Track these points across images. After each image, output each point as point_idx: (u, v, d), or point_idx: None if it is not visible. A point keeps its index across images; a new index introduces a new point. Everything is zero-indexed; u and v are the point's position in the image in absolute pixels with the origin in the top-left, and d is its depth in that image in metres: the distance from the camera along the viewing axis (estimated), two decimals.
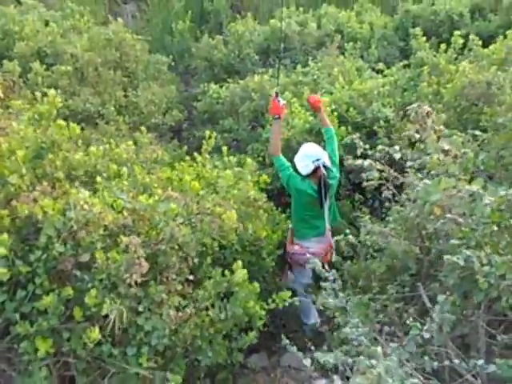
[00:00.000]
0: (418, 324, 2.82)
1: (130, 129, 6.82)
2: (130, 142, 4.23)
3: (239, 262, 3.44)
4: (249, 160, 4.49)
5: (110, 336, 3.03)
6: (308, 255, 4.20)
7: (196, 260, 3.33)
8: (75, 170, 3.57)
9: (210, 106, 7.85)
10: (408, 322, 2.97)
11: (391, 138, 5.90)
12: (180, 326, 3.32)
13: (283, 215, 5.03)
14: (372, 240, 3.75)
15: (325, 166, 4.56)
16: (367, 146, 4.33)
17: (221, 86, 7.88)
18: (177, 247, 3.18)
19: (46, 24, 7.80)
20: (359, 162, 3.97)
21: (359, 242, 3.95)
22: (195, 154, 4.73)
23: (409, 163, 3.90)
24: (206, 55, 9.08)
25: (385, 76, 7.07)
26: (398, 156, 3.85)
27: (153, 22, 11.76)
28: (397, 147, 3.91)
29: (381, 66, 7.26)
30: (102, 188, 3.33)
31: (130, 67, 7.61)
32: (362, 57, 8.42)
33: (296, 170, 4.65)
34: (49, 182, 3.41)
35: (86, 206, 2.96)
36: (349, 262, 4.30)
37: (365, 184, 4.02)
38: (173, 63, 9.03)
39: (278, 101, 4.52)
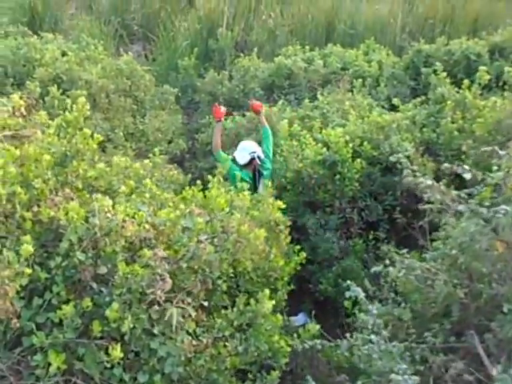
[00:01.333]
0: None
1: (135, 155, 6.68)
2: (147, 161, 4.05)
3: (266, 291, 3.14)
4: (267, 182, 4.29)
5: (122, 359, 2.74)
6: None
7: (219, 281, 3.08)
8: (96, 180, 3.36)
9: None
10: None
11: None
12: (195, 356, 3.04)
13: (297, 246, 4.67)
14: (407, 278, 3.36)
15: (259, 158, 5.55)
16: (416, 168, 3.77)
17: (225, 119, 7.76)
18: (197, 267, 2.94)
19: (64, 54, 7.80)
20: (421, 179, 3.52)
21: (386, 282, 3.60)
22: (209, 176, 4.52)
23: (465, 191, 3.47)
24: (211, 90, 9.01)
25: (398, 111, 6.83)
26: (468, 176, 3.28)
27: (158, 60, 11.79)
28: (466, 166, 3.38)
29: (395, 101, 7.03)
30: (124, 199, 3.12)
31: (139, 96, 7.55)
32: (370, 94, 8.26)
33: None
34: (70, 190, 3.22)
35: (109, 215, 2.74)
36: (378, 304, 3.82)
37: (421, 207, 3.62)
38: (177, 97, 8.97)
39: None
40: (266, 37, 11.41)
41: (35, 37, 8.05)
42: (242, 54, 10.25)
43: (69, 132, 3.32)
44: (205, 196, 3.67)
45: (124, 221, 2.77)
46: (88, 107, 6.65)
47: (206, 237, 3.04)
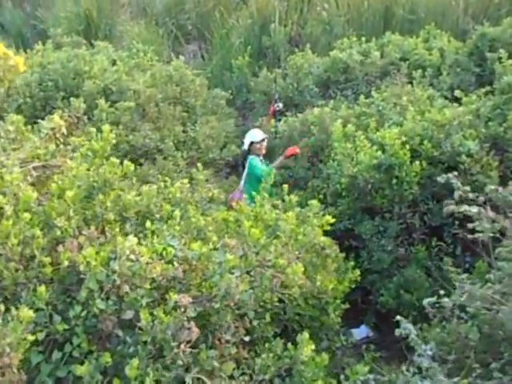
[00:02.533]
0: None
1: (187, 164, 6.52)
2: (185, 181, 3.81)
3: (305, 335, 2.79)
4: (314, 201, 3.94)
5: None
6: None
7: (255, 322, 2.79)
8: (126, 211, 3.16)
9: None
10: None
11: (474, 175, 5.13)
12: None
13: (351, 263, 4.37)
14: (470, 305, 2.99)
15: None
16: (467, 188, 3.49)
17: (279, 120, 7.44)
18: (232, 305, 2.67)
19: (114, 63, 7.76)
20: (465, 207, 3.15)
21: (454, 304, 3.20)
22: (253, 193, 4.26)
23: None
24: (264, 89, 8.70)
25: (461, 104, 6.18)
26: None
27: (213, 60, 11.63)
28: None
29: (458, 93, 6.40)
30: (152, 233, 2.89)
31: (190, 102, 7.36)
32: (431, 85, 7.64)
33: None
34: (98, 225, 3.03)
35: (132, 256, 2.51)
36: (436, 329, 3.48)
37: (470, 236, 3.23)
38: (231, 98, 8.74)
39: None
40: (320, 29, 10.91)
41: (84, 48, 8.02)
42: (296, 49, 9.84)
43: (95, 162, 3.12)
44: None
45: (149, 263, 2.54)
46: (138, 118, 6.76)
47: (240, 273, 2.75)
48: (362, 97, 7.12)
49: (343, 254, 4.64)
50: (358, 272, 4.19)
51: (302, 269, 2.84)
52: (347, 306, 4.25)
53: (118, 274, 2.41)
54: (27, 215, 2.54)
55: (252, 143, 6.38)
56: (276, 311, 3.45)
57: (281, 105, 6.81)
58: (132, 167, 3.35)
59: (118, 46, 9.80)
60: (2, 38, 11.68)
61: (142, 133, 6.42)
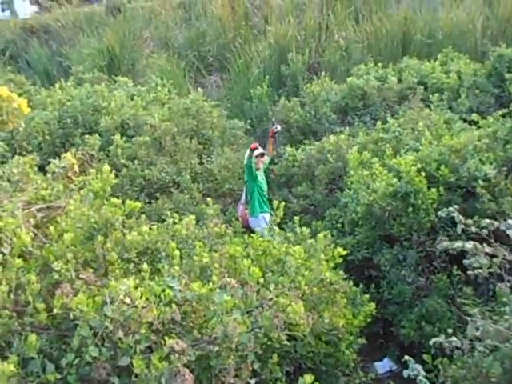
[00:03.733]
0: None
1: (203, 196, 6.48)
2: (192, 217, 3.75)
3: (307, 378, 2.65)
4: (321, 236, 3.82)
5: None
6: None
7: (257, 364, 2.68)
8: (128, 251, 3.11)
9: (286, 169, 7.35)
10: None
11: (497, 200, 4.96)
12: None
13: (366, 295, 4.21)
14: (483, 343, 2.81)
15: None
16: (470, 222, 3.36)
17: (297, 149, 7.39)
18: (233, 347, 2.57)
19: (132, 98, 7.86)
20: (458, 244, 3.04)
21: (464, 337, 3.04)
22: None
23: None
24: (283, 117, 8.67)
25: (479, 127, 6.08)
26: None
27: (233, 90, 11.71)
28: (510, 221, 2.94)
29: (474, 116, 6.27)
30: (151, 274, 2.83)
31: (207, 134, 7.37)
32: (450, 108, 7.54)
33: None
34: (99, 266, 2.99)
35: (127, 300, 2.45)
36: (457, 363, 3.29)
37: (470, 273, 3.11)
38: (251, 128, 8.74)
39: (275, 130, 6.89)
40: (339, 56, 10.89)
41: (103, 84, 8.15)
42: (315, 77, 9.82)
43: (95, 203, 3.10)
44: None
45: (145, 306, 2.47)
46: (154, 152, 6.79)
47: (240, 314, 2.65)
48: (378, 123, 7.03)
49: (361, 285, 4.52)
50: (373, 305, 4.03)
51: (303, 309, 2.72)
52: (364, 340, 4.10)
53: (111, 320, 2.35)
54: (19, 261, 2.52)
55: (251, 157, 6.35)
56: (287, 349, 3.34)
57: (279, 127, 7.00)
58: (138, 205, 3.31)
59: (140, 80, 9.97)
60: (28, 76, 12.08)
61: (158, 167, 6.44)
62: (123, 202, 3.24)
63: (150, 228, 3.32)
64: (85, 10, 15.83)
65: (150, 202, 6.00)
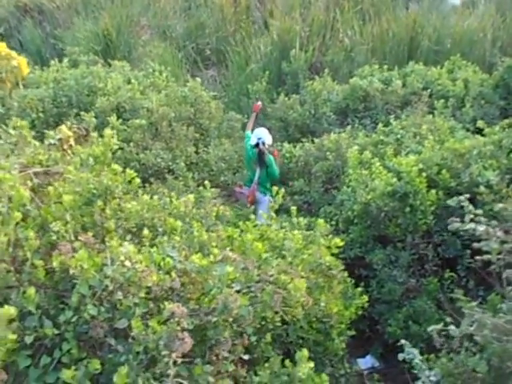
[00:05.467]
0: None
1: (198, 186, 6.55)
2: (191, 196, 3.83)
3: (304, 352, 2.75)
4: (321, 221, 3.93)
5: None
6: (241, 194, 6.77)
7: (253, 337, 2.76)
8: (127, 220, 3.18)
9: (281, 165, 7.44)
10: None
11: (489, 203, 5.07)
12: None
13: (358, 288, 4.33)
14: (479, 334, 2.91)
15: (263, 143, 6.61)
16: (480, 212, 3.43)
17: (294, 146, 7.50)
18: (231, 320, 2.65)
19: (129, 82, 7.90)
20: (471, 225, 3.12)
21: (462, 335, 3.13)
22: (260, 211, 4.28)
23: None
24: (282, 115, 8.77)
25: (483, 135, 6.18)
26: None
27: (231, 85, 11.77)
28: None
29: (480, 123, 6.37)
30: (150, 243, 2.90)
31: (204, 124, 7.45)
32: (453, 116, 7.70)
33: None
34: (97, 233, 3.06)
35: (127, 263, 2.52)
36: (443, 359, 3.38)
37: (478, 258, 3.20)
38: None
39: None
40: (342, 57, 11.01)
41: (99, 65, 8.19)
42: (316, 76, 9.93)
43: (96, 168, 3.17)
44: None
45: (145, 271, 2.54)
46: (150, 136, 6.86)
47: (240, 287, 2.74)
48: (380, 125, 7.16)
49: (352, 282, 4.62)
50: (366, 298, 4.14)
51: (305, 285, 2.81)
52: (353, 332, 4.20)
53: (111, 280, 2.42)
54: (18, 214, 2.57)
55: (264, 144, 6.66)
56: (278, 333, 3.43)
57: (259, 103, 7.65)
58: (137, 180, 3.38)
59: (135, 67, 10.00)
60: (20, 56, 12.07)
61: (153, 152, 6.50)
62: (123, 171, 3.31)
63: (151, 198, 3.38)
64: None
65: (144, 187, 6.05)
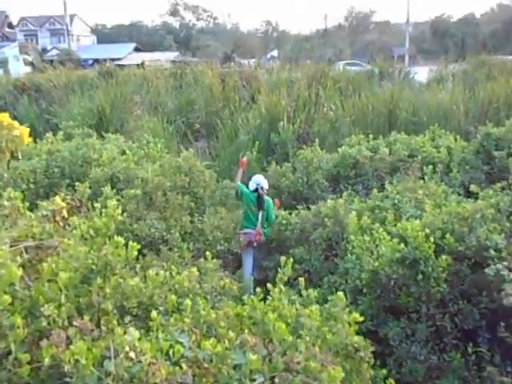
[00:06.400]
0: None
1: (193, 257, 6.01)
2: (194, 269, 3.31)
3: None
4: (340, 294, 3.40)
5: None
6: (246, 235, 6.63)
7: None
8: (128, 299, 2.63)
9: (278, 233, 6.98)
10: None
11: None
12: None
13: (383, 370, 3.68)
14: None
15: (262, 188, 6.83)
16: None
17: (290, 213, 7.06)
18: None
19: (123, 153, 7.53)
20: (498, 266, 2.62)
21: None
22: (268, 284, 3.75)
23: None
24: (274, 183, 8.41)
25: (476, 198, 5.89)
26: None
27: (221, 155, 11.54)
28: None
29: (473, 187, 6.08)
30: (157, 327, 2.35)
31: (198, 192, 7.00)
32: (442, 181, 7.43)
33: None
34: (94, 315, 2.50)
35: (132, 354, 1.97)
36: None
37: (505, 302, 2.70)
38: None
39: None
40: (328, 128, 10.92)
41: (94, 137, 7.83)
42: (304, 146, 9.73)
43: (96, 242, 2.66)
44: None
45: (152, 363, 1.99)
46: (144, 206, 6.37)
47: (263, 379, 2.17)
48: (374, 190, 6.81)
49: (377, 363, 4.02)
50: (392, 382, 3.53)
51: (342, 375, 2.24)
52: None
53: (113, 378, 1.86)
54: (7, 298, 2.04)
55: (262, 188, 6.90)
56: None
57: (245, 158, 8.06)
58: (134, 253, 2.87)
59: (128, 140, 9.70)
60: None
61: (147, 222, 5.99)
62: (126, 245, 2.81)
63: (157, 274, 2.86)
64: (78, 73, 15.81)
65: (137, 258, 5.49)
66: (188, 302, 2.55)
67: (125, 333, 2.05)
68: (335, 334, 2.83)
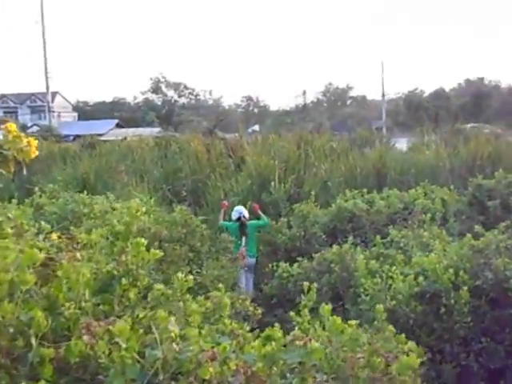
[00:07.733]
0: None
1: None
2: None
3: None
4: (352, 322, 3.10)
5: None
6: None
7: None
8: (152, 309, 2.34)
9: (279, 287, 6.68)
10: None
11: None
12: None
13: None
14: None
15: (244, 216, 8.14)
16: None
17: (291, 265, 6.80)
18: None
19: (114, 209, 7.27)
20: None
21: None
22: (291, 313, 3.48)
23: None
24: (270, 239, 8.24)
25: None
26: None
27: (209, 221, 11.31)
28: None
29: (478, 228, 6.04)
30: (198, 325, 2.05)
31: (195, 245, 6.71)
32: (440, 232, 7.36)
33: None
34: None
35: (176, 346, 1.67)
36: None
37: None
38: None
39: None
40: (318, 188, 10.90)
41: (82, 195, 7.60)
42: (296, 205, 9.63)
43: (116, 246, 2.40)
44: None
45: (203, 350, 1.69)
46: None
47: (325, 377, 1.87)
48: (377, 237, 6.66)
49: None
50: None
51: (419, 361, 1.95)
52: None
53: (162, 366, 1.55)
54: (32, 277, 1.75)
55: (244, 216, 8.16)
56: None
57: (225, 201, 9.42)
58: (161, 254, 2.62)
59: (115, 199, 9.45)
60: None
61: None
62: (148, 250, 2.55)
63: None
64: (60, 145, 15.72)
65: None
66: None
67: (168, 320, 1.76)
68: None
